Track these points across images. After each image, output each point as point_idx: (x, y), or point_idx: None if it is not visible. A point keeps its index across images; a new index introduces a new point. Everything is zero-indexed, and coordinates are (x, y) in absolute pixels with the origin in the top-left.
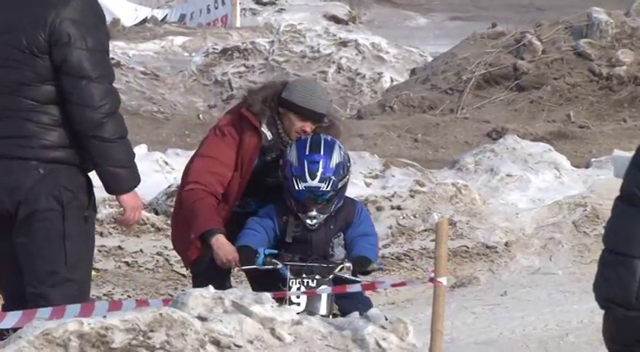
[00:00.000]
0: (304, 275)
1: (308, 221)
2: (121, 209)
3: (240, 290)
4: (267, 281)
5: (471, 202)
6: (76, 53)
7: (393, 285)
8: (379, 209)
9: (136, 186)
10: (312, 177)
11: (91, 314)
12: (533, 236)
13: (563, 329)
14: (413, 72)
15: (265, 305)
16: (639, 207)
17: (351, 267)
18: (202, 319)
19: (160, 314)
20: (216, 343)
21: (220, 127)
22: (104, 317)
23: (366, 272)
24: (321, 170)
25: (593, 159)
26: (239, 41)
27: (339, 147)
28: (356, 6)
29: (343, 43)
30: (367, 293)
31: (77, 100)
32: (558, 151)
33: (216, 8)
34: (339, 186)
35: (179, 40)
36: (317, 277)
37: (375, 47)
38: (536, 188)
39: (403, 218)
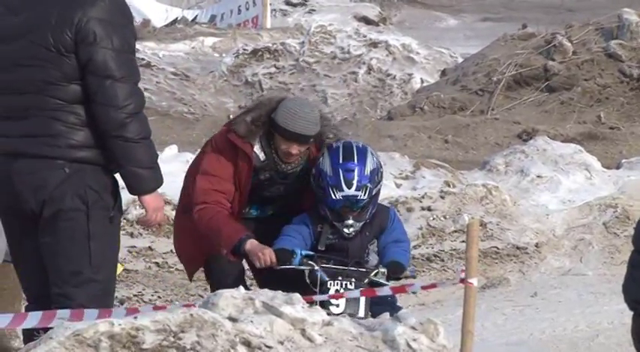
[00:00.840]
0: (340, 278)
1: (345, 230)
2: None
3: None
4: (298, 286)
5: (501, 203)
6: (102, 52)
7: (424, 287)
8: (409, 210)
9: (158, 187)
10: (349, 186)
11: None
12: (563, 237)
13: (593, 330)
14: (443, 73)
15: (296, 305)
16: None
17: (386, 273)
18: (233, 320)
19: (191, 314)
20: (247, 344)
21: (217, 143)
22: (135, 317)
23: (399, 278)
24: (356, 178)
25: (623, 161)
26: (269, 42)
27: (372, 154)
28: (386, 7)
29: (374, 44)
30: (398, 295)
31: (101, 100)
32: (589, 152)
33: (247, 9)
34: (375, 192)
35: (209, 40)
36: (354, 280)
37: (406, 48)
38: (567, 189)
39: (433, 219)
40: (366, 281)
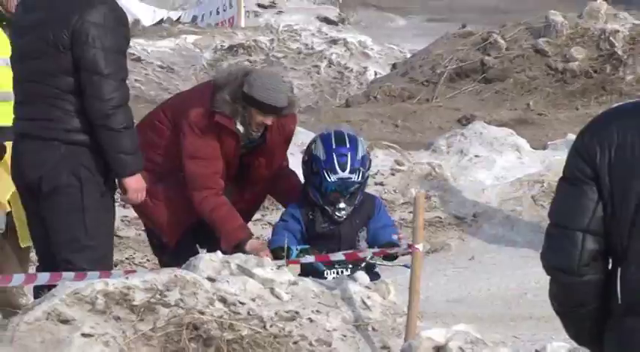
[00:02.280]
0: (337, 266)
1: (337, 213)
2: None
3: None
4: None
5: (443, 179)
6: (92, 51)
7: (375, 253)
8: None
9: (139, 171)
10: (343, 169)
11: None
12: (497, 209)
13: (522, 289)
14: (394, 66)
15: (266, 268)
16: (578, 186)
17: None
18: (211, 280)
19: (175, 275)
20: (223, 300)
21: (194, 124)
22: (126, 278)
23: (394, 258)
24: (350, 161)
25: (549, 142)
26: (243, 39)
27: (361, 141)
28: (345, 9)
29: (333, 41)
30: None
31: (90, 92)
32: (519, 135)
33: (224, 11)
34: (365, 177)
35: (191, 38)
36: (350, 266)
37: (361, 45)
38: (500, 167)
39: (385, 193)
40: (363, 265)
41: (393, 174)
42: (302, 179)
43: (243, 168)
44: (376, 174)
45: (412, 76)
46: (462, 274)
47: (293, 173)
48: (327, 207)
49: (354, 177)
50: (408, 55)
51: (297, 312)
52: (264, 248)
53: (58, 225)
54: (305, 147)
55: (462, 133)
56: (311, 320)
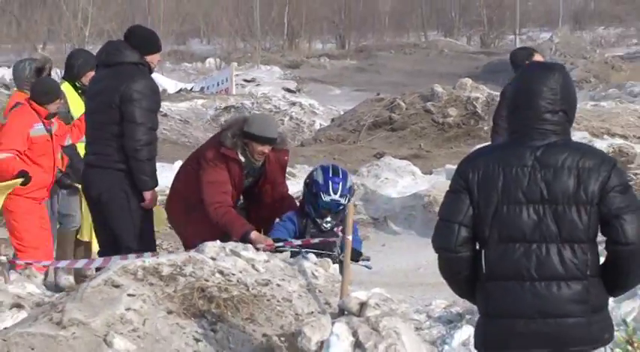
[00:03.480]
0: (319, 257)
1: (324, 224)
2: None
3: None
4: None
5: (365, 193)
6: (132, 108)
7: (304, 241)
8: None
9: (154, 187)
10: (335, 193)
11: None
12: (400, 212)
13: (417, 265)
14: (332, 120)
15: (250, 251)
16: (457, 195)
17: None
18: (213, 259)
19: (189, 256)
20: (221, 272)
21: (208, 160)
22: (157, 258)
23: (358, 260)
24: (340, 188)
25: (433, 170)
26: (234, 102)
27: (350, 176)
28: (300, 82)
29: (293, 104)
30: None
31: (127, 134)
32: (414, 165)
33: (222, 83)
34: (350, 201)
35: (200, 101)
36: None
37: (311, 106)
38: (402, 186)
39: None
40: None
41: None
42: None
43: (252, 195)
44: None
45: (344, 127)
46: (377, 256)
47: (292, 199)
48: (317, 219)
49: (342, 200)
50: (342, 113)
51: (269, 280)
52: (264, 239)
53: (117, 223)
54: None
55: (377, 164)
56: (278, 285)
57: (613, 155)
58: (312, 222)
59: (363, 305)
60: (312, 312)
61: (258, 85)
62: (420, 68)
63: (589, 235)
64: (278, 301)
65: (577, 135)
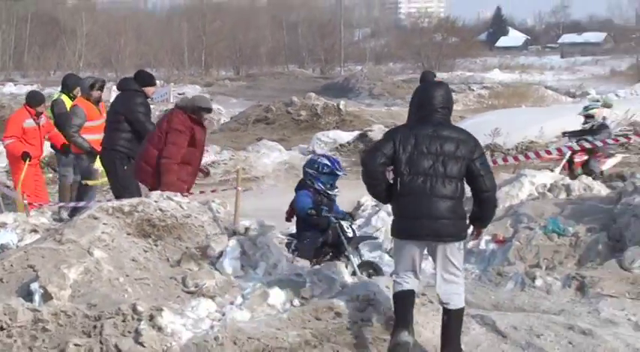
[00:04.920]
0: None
1: (335, 191)
2: None
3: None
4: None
5: (250, 161)
6: (135, 115)
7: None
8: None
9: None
10: (340, 169)
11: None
12: (271, 173)
13: (281, 204)
14: (231, 118)
15: (177, 198)
16: (386, 141)
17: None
18: (156, 202)
19: (141, 200)
20: (161, 210)
21: (177, 127)
22: (121, 201)
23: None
24: (339, 166)
25: (292, 148)
26: (171, 105)
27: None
28: (212, 95)
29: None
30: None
31: (137, 129)
32: (280, 145)
33: (164, 95)
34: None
35: (151, 106)
36: (350, 222)
37: (219, 110)
38: (273, 157)
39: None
40: (351, 221)
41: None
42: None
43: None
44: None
45: (238, 122)
46: (256, 199)
47: None
48: (329, 191)
49: (342, 174)
50: (237, 113)
51: (190, 214)
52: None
53: (114, 182)
54: None
55: (257, 144)
56: (196, 217)
57: None
58: (325, 195)
59: (247, 229)
60: (216, 233)
61: (182, 93)
62: (284, 87)
63: (459, 176)
64: (195, 226)
65: (375, 127)
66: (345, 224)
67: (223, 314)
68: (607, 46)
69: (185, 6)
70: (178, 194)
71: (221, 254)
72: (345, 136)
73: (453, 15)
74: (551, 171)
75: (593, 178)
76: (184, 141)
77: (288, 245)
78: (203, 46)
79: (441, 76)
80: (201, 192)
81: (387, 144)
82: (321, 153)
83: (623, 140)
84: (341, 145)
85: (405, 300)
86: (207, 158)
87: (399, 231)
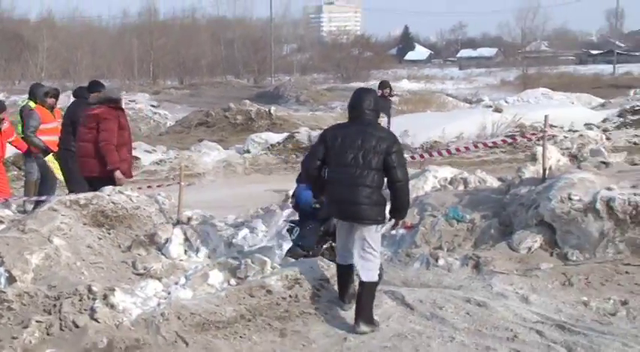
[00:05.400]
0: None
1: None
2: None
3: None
4: None
5: (193, 160)
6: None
7: (159, 185)
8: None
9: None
10: None
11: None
12: (211, 170)
13: (220, 196)
14: (176, 122)
15: (129, 190)
16: (319, 144)
17: None
18: (109, 195)
19: (95, 194)
20: (113, 202)
21: (105, 117)
22: (77, 195)
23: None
24: None
25: (229, 147)
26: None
27: None
28: (159, 102)
29: (155, 113)
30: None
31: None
32: (219, 145)
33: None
34: None
35: None
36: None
37: (165, 115)
38: (213, 156)
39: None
40: None
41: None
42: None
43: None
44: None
45: (182, 125)
46: (198, 193)
47: None
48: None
49: None
50: (181, 118)
51: (139, 206)
52: (124, 180)
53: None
54: None
55: (199, 144)
56: (144, 209)
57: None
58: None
59: (189, 218)
60: (162, 222)
61: (136, 103)
62: (222, 95)
63: (377, 167)
64: (144, 217)
65: (302, 129)
66: None
67: (169, 293)
68: (498, 59)
69: (135, 24)
70: (129, 188)
71: (167, 240)
72: (276, 137)
73: (368, 33)
74: None
75: None
76: (114, 126)
77: (289, 231)
78: (151, 59)
79: (357, 85)
80: (149, 187)
81: (319, 146)
82: None
83: (510, 140)
84: (272, 145)
85: (342, 273)
86: (155, 156)
87: (330, 213)
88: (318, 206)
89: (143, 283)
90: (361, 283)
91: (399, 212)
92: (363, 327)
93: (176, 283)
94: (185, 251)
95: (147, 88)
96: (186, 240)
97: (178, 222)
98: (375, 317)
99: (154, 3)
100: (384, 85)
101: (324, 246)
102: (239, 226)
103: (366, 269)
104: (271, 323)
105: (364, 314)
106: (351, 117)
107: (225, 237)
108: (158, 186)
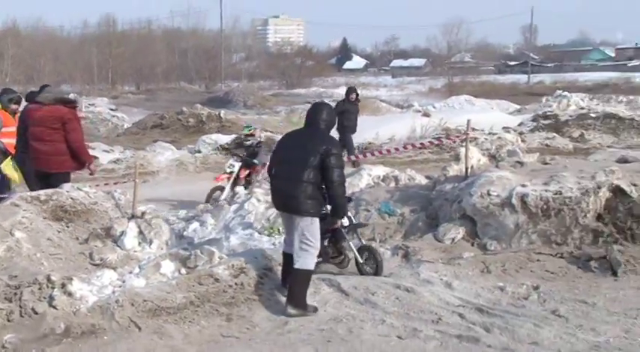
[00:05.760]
0: None
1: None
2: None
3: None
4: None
5: (148, 159)
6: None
7: (115, 183)
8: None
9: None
10: None
11: None
12: (164, 168)
13: (173, 192)
14: (133, 124)
15: (87, 187)
16: (275, 151)
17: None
18: (68, 192)
19: (55, 190)
20: (72, 198)
21: (70, 117)
22: (38, 193)
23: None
24: None
25: (182, 148)
26: (83, 115)
27: None
28: (117, 105)
29: (113, 116)
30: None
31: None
32: (173, 145)
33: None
34: None
35: None
36: None
37: (122, 117)
38: (166, 156)
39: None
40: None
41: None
42: None
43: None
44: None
45: (138, 127)
46: (153, 189)
47: None
48: None
49: None
50: (137, 120)
51: (97, 201)
52: (95, 168)
53: (25, 178)
54: None
55: (154, 145)
56: (102, 204)
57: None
58: None
59: (143, 213)
60: (118, 217)
61: (96, 106)
62: (176, 99)
63: (314, 166)
64: (101, 211)
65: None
66: None
67: (123, 282)
68: (427, 69)
69: (95, 34)
70: (87, 185)
71: (122, 233)
72: (225, 139)
73: (310, 44)
74: (223, 187)
75: (250, 189)
76: (79, 125)
77: None
78: (110, 66)
79: (300, 91)
80: (106, 184)
81: (274, 150)
82: None
83: (436, 142)
84: (221, 146)
85: (286, 261)
86: (112, 156)
87: (274, 205)
88: None
89: (99, 273)
90: (295, 270)
91: (335, 211)
92: (291, 310)
93: (130, 272)
94: (139, 243)
95: (106, 92)
96: (140, 232)
97: (133, 217)
98: (314, 303)
99: (113, 15)
100: (351, 90)
101: (325, 243)
102: (190, 220)
103: (301, 258)
104: (218, 309)
105: (294, 298)
106: (305, 125)
107: (177, 230)
108: (115, 184)
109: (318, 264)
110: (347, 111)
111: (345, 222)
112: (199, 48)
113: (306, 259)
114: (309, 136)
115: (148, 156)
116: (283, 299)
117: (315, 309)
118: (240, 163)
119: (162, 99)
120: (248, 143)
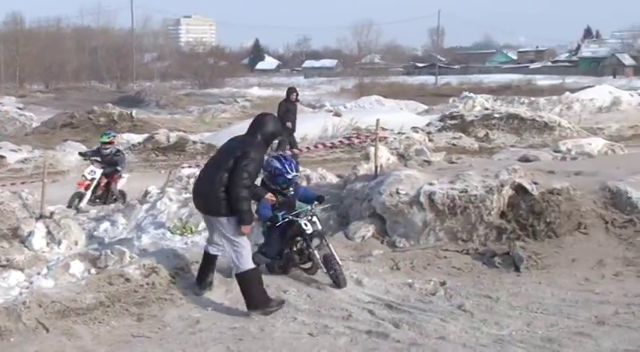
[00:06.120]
0: (302, 216)
1: (289, 192)
2: None
3: None
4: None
5: (53, 158)
6: None
7: (23, 182)
8: None
9: None
10: (292, 171)
11: None
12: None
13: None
14: (42, 123)
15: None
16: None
17: (316, 203)
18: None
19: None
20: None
21: None
22: None
23: (322, 201)
24: (294, 167)
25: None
26: None
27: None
28: (25, 104)
29: (21, 115)
30: None
31: None
32: (82, 145)
33: None
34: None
35: None
36: (310, 214)
37: (30, 117)
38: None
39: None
40: (313, 212)
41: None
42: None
43: None
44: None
45: (47, 126)
46: None
47: None
48: (284, 191)
49: (297, 174)
50: (46, 119)
51: (2, 201)
52: None
53: None
54: None
55: (64, 144)
56: (7, 204)
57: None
58: (280, 194)
59: (52, 213)
60: (25, 217)
61: (2, 105)
62: (87, 98)
63: (227, 168)
64: (7, 211)
65: (161, 130)
66: (302, 221)
67: (31, 283)
68: (338, 70)
69: (1, 31)
70: None
71: (29, 233)
72: (137, 138)
73: (222, 44)
74: (83, 194)
75: (115, 199)
76: None
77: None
78: (17, 64)
79: (212, 91)
80: (12, 184)
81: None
82: (275, 154)
83: (346, 141)
84: (133, 145)
85: (204, 260)
86: (20, 155)
87: (195, 205)
88: (268, 224)
89: (5, 274)
90: (235, 276)
91: (236, 214)
92: (253, 314)
93: (38, 273)
94: (47, 243)
95: (13, 91)
96: (49, 233)
97: (41, 217)
98: (273, 297)
99: (20, 12)
100: (291, 90)
101: (294, 249)
102: (100, 219)
103: (235, 262)
104: (129, 309)
105: (250, 302)
106: (246, 132)
107: (87, 229)
108: (22, 183)
109: (287, 268)
110: (289, 111)
111: (309, 229)
112: (110, 47)
113: (241, 260)
114: (238, 142)
115: (57, 155)
116: (196, 298)
117: (281, 302)
118: (101, 170)
119: (72, 98)
120: (106, 151)
